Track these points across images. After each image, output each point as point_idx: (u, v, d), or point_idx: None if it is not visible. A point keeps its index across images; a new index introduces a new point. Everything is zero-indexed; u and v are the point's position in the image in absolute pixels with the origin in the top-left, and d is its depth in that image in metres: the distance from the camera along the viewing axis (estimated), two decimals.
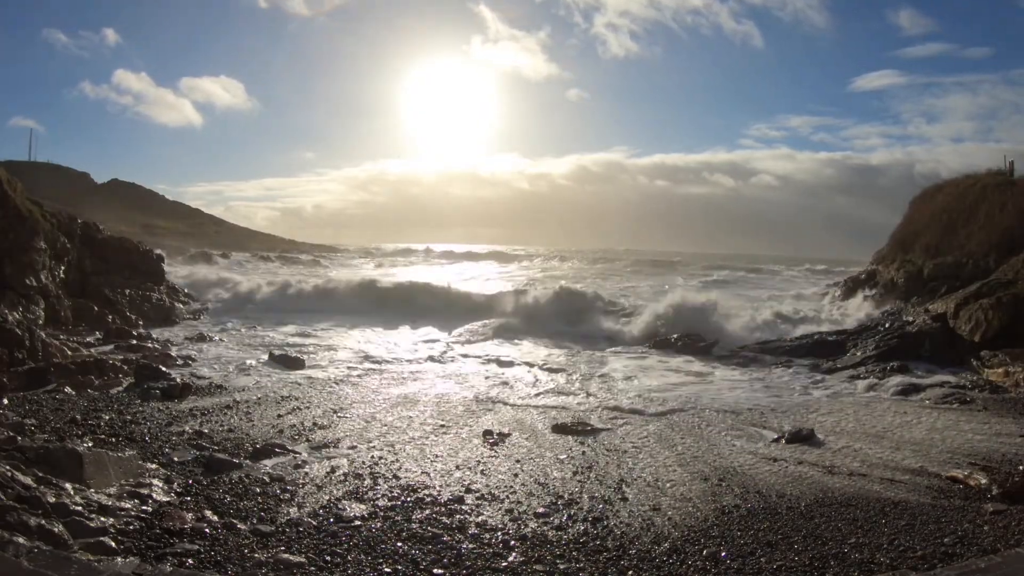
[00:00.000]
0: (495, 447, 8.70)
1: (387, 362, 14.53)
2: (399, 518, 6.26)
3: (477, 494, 6.97)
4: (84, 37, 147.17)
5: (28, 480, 5.75)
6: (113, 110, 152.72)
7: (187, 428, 8.85)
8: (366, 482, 7.19)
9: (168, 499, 6.34)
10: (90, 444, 7.69)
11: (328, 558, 5.38)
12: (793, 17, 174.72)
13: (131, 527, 5.63)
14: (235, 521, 5.93)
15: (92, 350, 13.89)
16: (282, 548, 5.49)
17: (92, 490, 6.17)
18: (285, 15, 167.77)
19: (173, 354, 14.38)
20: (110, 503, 6.00)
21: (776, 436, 9.36)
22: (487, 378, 13.22)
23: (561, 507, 6.66)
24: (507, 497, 6.93)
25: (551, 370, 14.20)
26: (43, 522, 5.16)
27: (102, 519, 5.62)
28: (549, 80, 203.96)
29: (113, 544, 5.27)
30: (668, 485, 7.38)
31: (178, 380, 11.45)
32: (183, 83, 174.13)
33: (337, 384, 12.24)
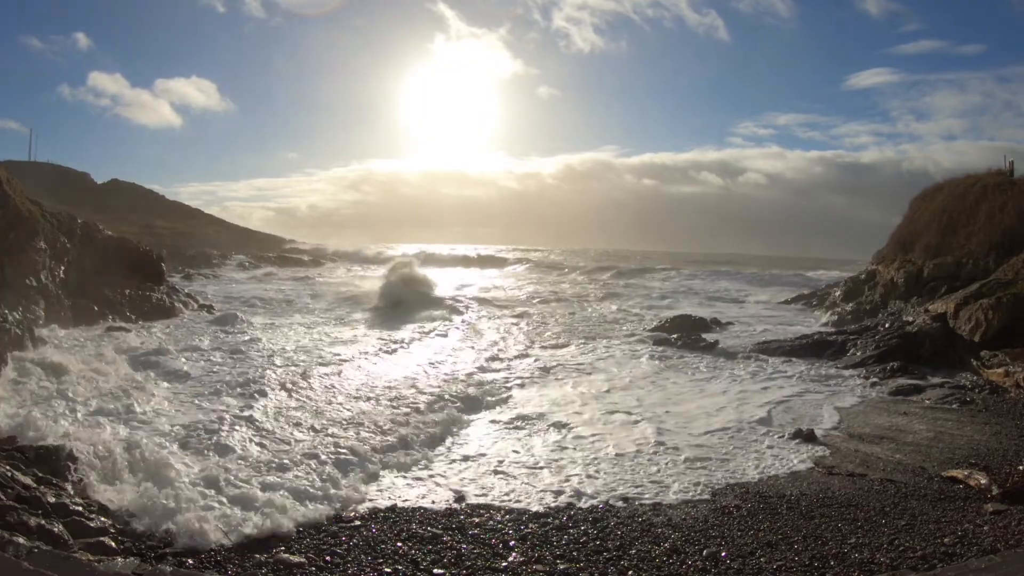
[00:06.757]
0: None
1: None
2: (399, 518, 6.28)
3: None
4: (56, 41, 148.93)
5: (28, 480, 5.76)
6: (93, 112, 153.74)
7: None
8: None
9: None
10: None
11: (328, 558, 5.39)
12: (754, 8, 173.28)
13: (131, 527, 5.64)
14: None
15: None
16: (282, 548, 5.50)
17: (91, 490, 6.17)
18: (245, 17, 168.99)
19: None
20: (105, 501, 6.00)
21: (776, 436, 9.36)
22: None
23: (561, 507, 6.67)
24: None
25: None
26: (43, 522, 5.16)
27: (102, 519, 5.63)
28: (516, 77, 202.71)
29: (113, 544, 5.27)
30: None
31: None
32: (157, 84, 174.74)
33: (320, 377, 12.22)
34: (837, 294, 25.59)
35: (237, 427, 8.47)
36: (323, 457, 7.64)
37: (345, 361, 13.29)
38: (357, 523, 6.10)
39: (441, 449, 8.24)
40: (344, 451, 7.91)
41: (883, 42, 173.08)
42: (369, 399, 10.66)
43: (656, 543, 5.84)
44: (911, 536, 5.97)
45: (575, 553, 5.62)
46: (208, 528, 5.57)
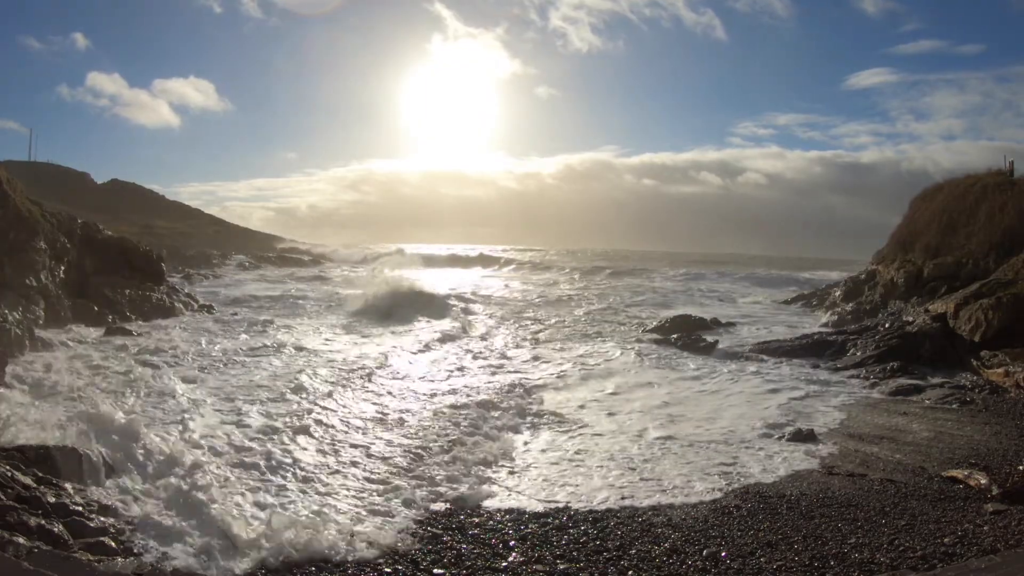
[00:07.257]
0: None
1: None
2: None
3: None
4: (54, 41, 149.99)
5: (28, 480, 5.75)
6: (92, 112, 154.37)
7: None
8: None
9: None
10: None
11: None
12: (751, 8, 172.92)
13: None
14: None
15: None
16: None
17: (92, 490, 6.17)
18: (243, 18, 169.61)
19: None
20: (110, 503, 6.01)
21: (776, 436, 9.36)
22: None
23: (561, 507, 6.66)
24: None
25: None
26: (43, 522, 5.16)
27: (102, 519, 5.63)
28: (515, 77, 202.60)
29: (113, 544, 5.27)
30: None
31: None
32: (155, 84, 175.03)
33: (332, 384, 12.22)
34: (837, 294, 25.57)
35: (239, 430, 8.47)
36: (331, 479, 7.31)
37: (350, 368, 13.25)
38: None
39: (446, 457, 8.13)
40: (353, 466, 7.85)
41: (882, 42, 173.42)
42: (373, 403, 10.68)
43: (656, 543, 5.84)
44: (911, 536, 5.97)
45: (575, 553, 5.62)
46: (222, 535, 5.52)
